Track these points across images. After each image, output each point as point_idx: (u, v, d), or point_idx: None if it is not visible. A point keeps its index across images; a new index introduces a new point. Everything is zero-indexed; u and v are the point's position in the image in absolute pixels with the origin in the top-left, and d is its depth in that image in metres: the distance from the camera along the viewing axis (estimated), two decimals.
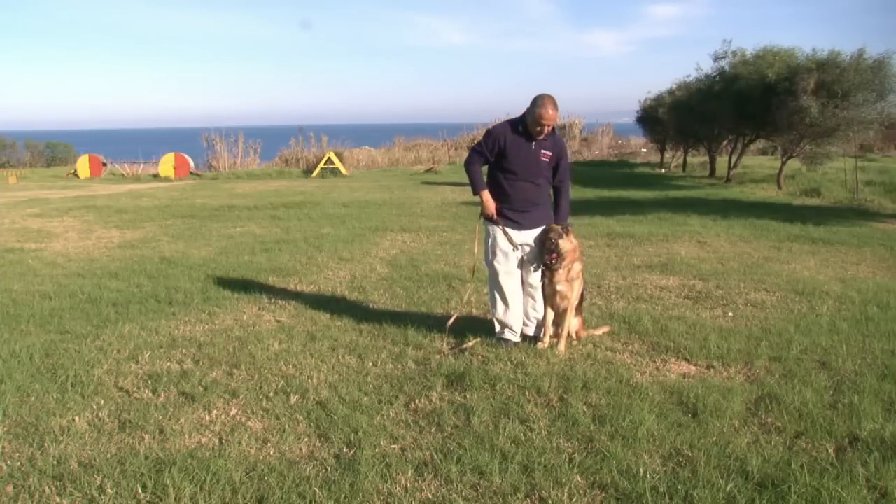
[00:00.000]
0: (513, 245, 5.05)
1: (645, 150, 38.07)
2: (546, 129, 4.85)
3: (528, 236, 5.09)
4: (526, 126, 4.92)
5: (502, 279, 5.08)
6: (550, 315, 5.12)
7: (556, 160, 5.08)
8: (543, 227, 5.07)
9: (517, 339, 5.16)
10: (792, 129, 16.85)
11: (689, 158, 29.12)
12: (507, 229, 5.04)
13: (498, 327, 5.18)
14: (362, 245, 9.75)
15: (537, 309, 5.20)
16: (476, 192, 5.13)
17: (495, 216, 5.05)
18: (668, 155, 31.65)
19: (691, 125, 22.74)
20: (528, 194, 5.03)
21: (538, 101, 4.80)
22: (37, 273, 8.00)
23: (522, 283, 5.17)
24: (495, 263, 5.10)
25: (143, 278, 7.59)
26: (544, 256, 5.00)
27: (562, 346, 4.99)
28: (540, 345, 5.05)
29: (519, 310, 5.14)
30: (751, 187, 18.91)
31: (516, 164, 4.99)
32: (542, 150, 4.99)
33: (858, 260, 8.59)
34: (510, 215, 5.06)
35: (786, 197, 16.67)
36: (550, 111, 4.77)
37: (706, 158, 26.07)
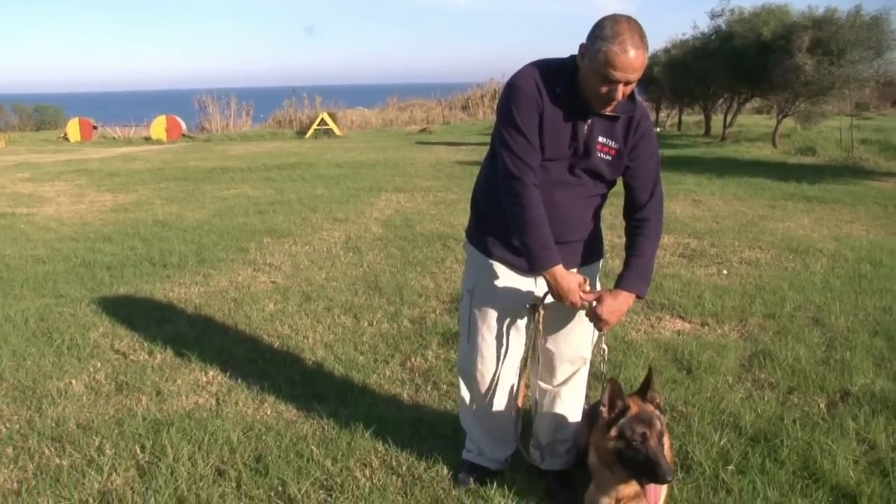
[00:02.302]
0: (532, 301, 2.65)
1: None
2: (618, 96, 2.35)
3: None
4: (576, 85, 2.39)
5: (481, 367, 2.71)
6: None
7: (626, 159, 2.50)
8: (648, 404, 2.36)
9: (496, 466, 2.88)
10: (787, 88, 16.70)
11: (684, 117, 28.94)
12: (516, 272, 2.63)
13: (467, 442, 2.95)
14: (357, 205, 9.71)
15: (560, 424, 2.82)
16: (541, 267, 2.42)
17: (580, 304, 2.48)
18: (663, 114, 31.43)
19: (686, 84, 22.50)
20: (563, 211, 2.52)
21: (608, 33, 2.25)
22: (29, 237, 7.95)
23: (527, 368, 2.82)
24: (478, 337, 2.69)
25: (136, 241, 7.55)
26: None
27: None
28: None
29: (509, 425, 2.81)
30: (746, 146, 18.82)
31: (548, 152, 2.45)
32: (601, 138, 2.46)
33: (852, 218, 8.60)
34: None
35: (781, 155, 16.62)
36: (632, 53, 2.27)
37: (701, 117, 25.90)
